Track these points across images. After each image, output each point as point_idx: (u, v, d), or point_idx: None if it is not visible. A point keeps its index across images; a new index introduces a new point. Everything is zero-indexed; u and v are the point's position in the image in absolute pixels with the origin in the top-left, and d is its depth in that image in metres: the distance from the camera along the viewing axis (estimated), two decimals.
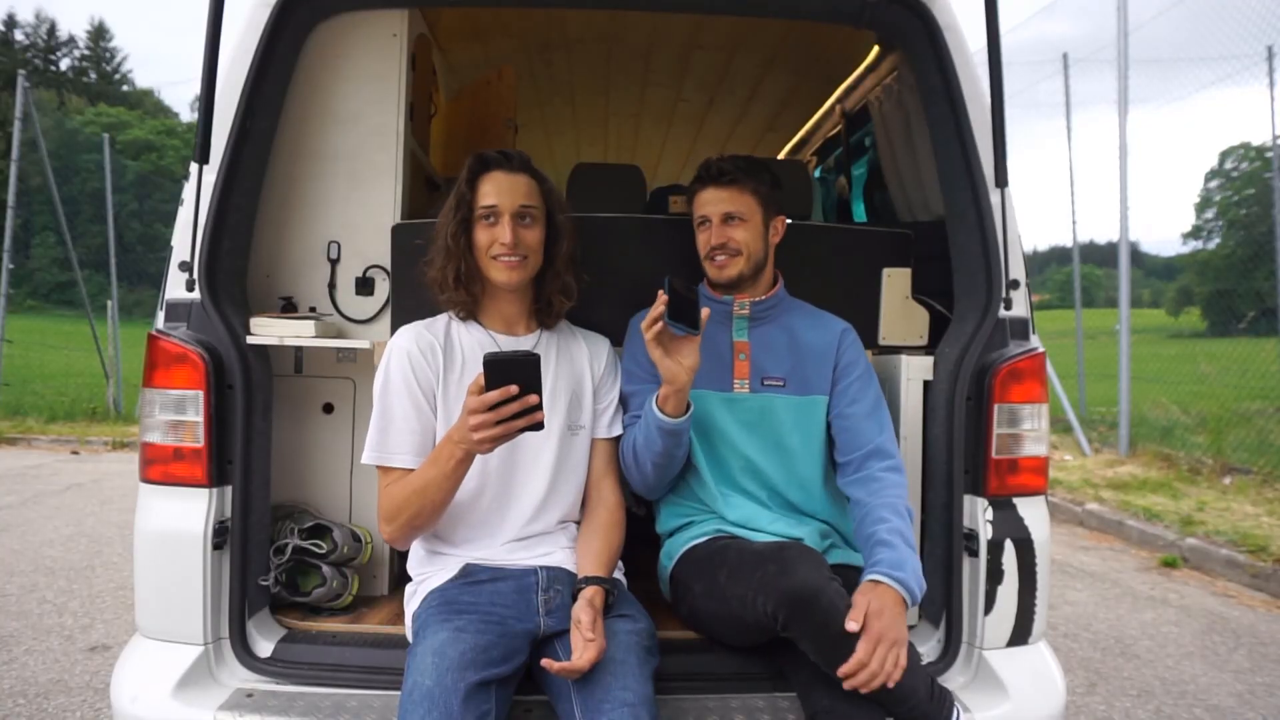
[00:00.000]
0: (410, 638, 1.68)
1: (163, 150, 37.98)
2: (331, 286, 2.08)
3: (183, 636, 1.70)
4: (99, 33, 57.04)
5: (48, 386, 11.43)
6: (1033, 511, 1.79)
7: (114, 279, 10.84)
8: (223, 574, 1.73)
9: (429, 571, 1.73)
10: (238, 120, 1.82)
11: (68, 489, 6.32)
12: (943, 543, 1.81)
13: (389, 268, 2.06)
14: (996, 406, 1.77)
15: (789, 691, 1.66)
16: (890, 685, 1.43)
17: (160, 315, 1.80)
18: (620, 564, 1.82)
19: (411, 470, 1.67)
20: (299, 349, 2.09)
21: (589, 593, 1.59)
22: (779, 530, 1.82)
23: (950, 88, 1.88)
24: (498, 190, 1.75)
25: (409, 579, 1.78)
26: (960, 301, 1.95)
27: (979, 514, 1.77)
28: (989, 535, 1.76)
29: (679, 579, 1.84)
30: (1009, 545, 1.76)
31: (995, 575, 1.75)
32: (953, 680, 1.77)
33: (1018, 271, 1.85)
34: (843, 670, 1.43)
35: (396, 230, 2.05)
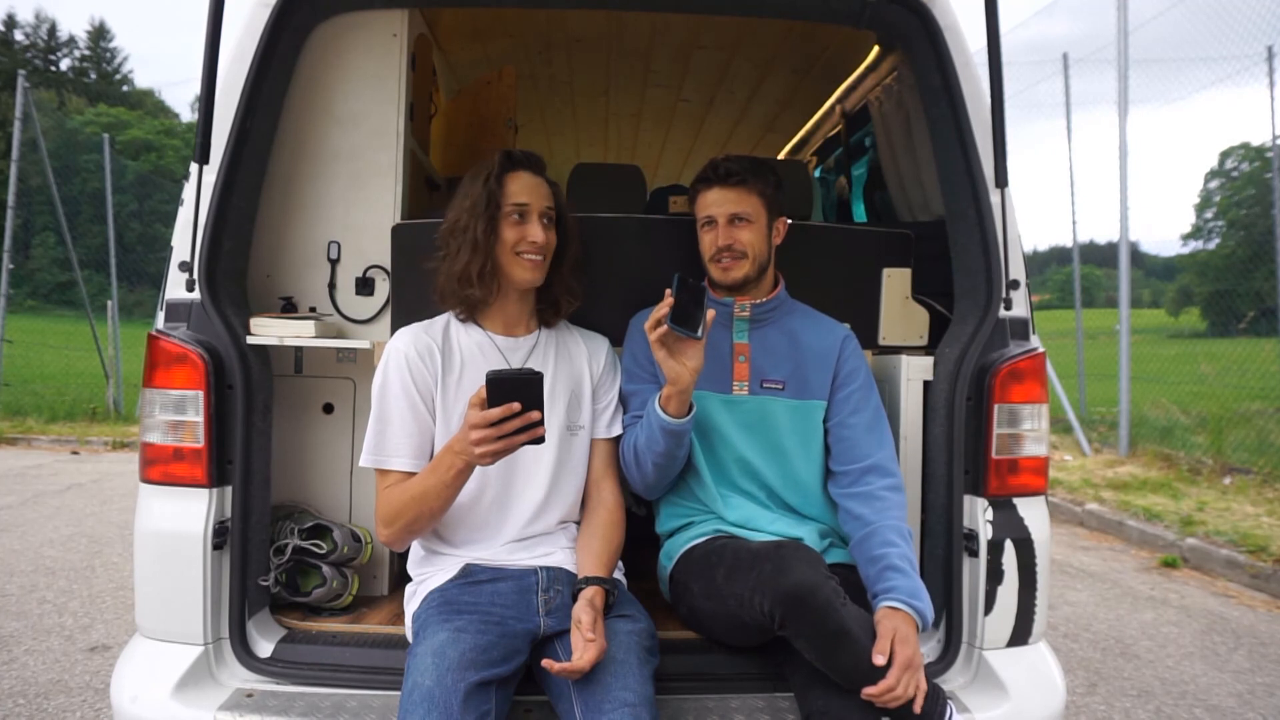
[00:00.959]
0: (410, 638, 1.69)
1: (163, 150, 38.00)
2: (331, 286, 2.08)
3: (183, 637, 1.70)
4: (99, 33, 57.12)
5: (48, 386, 11.43)
6: (1033, 512, 1.79)
7: (114, 279, 10.85)
8: (223, 574, 1.73)
9: (429, 572, 1.74)
10: (238, 120, 1.82)
11: (68, 489, 6.32)
12: (943, 543, 1.81)
13: (389, 268, 2.06)
14: (996, 407, 1.77)
15: (788, 691, 1.66)
16: (916, 710, 1.47)
17: (160, 315, 1.80)
18: (620, 564, 1.82)
19: (409, 473, 1.68)
20: (299, 349, 2.09)
21: (589, 593, 1.59)
22: (779, 530, 1.82)
23: (950, 88, 1.88)
24: (526, 189, 1.77)
25: (409, 579, 1.79)
26: (960, 302, 1.95)
27: (979, 514, 1.77)
28: (989, 535, 1.76)
29: (678, 579, 1.84)
30: (1009, 545, 1.76)
31: (995, 575, 1.75)
32: (953, 680, 1.77)
33: (1018, 271, 1.85)
34: (869, 693, 1.46)
35: (397, 230, 2.05)
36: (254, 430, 1.79)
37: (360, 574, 2.05)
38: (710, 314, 1.67)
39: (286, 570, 1.93)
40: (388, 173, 2.08)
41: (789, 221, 1.99)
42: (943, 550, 1.81)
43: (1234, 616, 3.96)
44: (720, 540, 1.80)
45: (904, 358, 2.00)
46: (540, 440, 1.47)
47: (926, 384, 1.96)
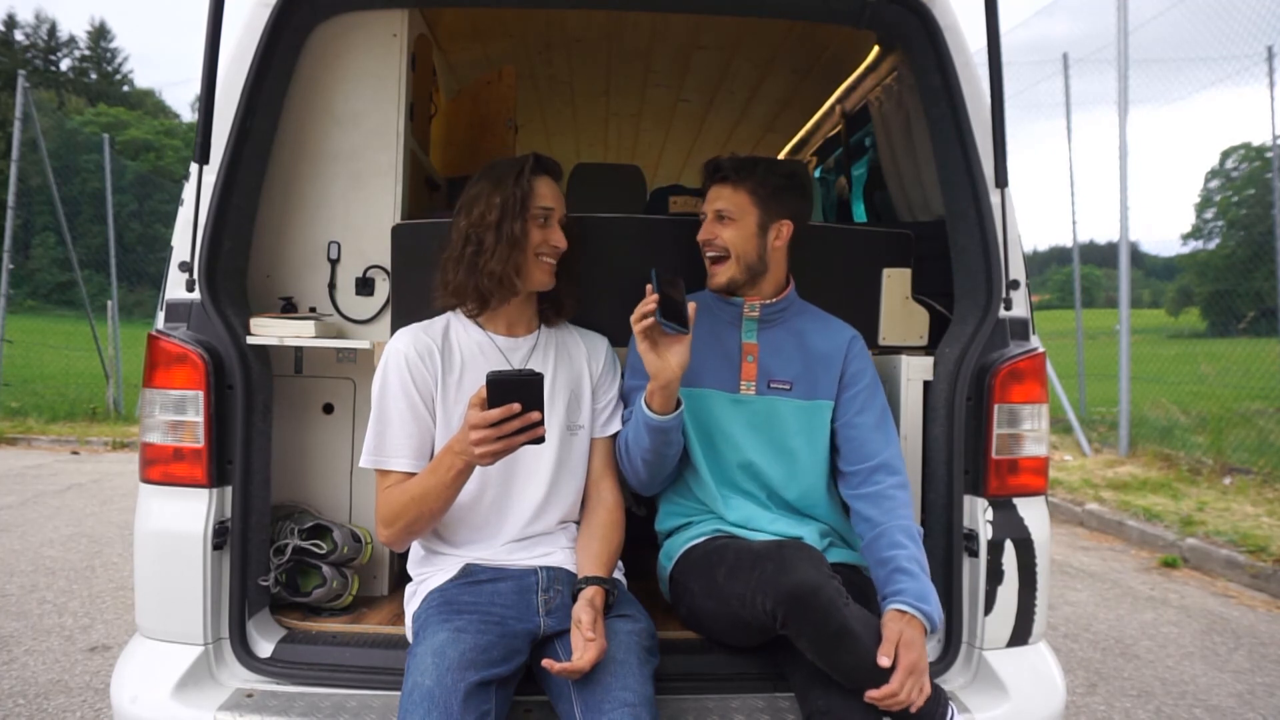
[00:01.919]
0: (410, 638, 1.69)
1: (162, 150, 38.00)
2: (331, 287, 2.08)
3: (183, 637, 1.70)
4: (99, 33, 57.11)
5: (48, 386, 11.44)
6: (1033, 512, 1.79)
7: (114, 279, 10.85)
8: (223, 574, 1.73)
9: (429, 572, 1.74)
10: (238, 120, 1.82)
11: (68, 489, 6.32)
12: (943, 543, 1.81)
13: (389, 268, 2.06)
14: (996, 407, 1.77)
15: (789, 692, 1.66)
16: (913, 711, 1.47)
17: (160, 315, 1.80)
18: (620, 564, 1.82)
19: (409, 474, 1.68)
20: (299, 349, 2.09)
21: (589, 593, 1.59)
22: (779, 530, 1.82)
23: (950, 88, 1.88)
24: (553, 194, 1.80)
25: (409, 579, 1.79)
26: (960, 302, 1.95)
27: (979, 514, 1.77)
28: (989, 535, 1.76)
29: (678, 579, 1.84)
30: (1009, 545, 1.76)
31: (995, 575, 1.75)
32: (953, 680, 1.77)
33: (1018, 272, 1.85)
34: (872, 697, 1.46)
35: (397, 230, 2.05)
36: (254, 430, 1.79)
37: (360, 574, 2.05)
38: (692, 306, 1.68)
39: (286, 570, 1.93)
40: (388, 173, 2.08)
41: (792, 225, 1.94)
42: (943, 550, 1.81)
43: (1234, 616, 3.96)
44: (720, 540, 1.80)
45: (904, 358, 2.00)
46: (540, 441, 1.47)
47: (926, 384, 1.96)
